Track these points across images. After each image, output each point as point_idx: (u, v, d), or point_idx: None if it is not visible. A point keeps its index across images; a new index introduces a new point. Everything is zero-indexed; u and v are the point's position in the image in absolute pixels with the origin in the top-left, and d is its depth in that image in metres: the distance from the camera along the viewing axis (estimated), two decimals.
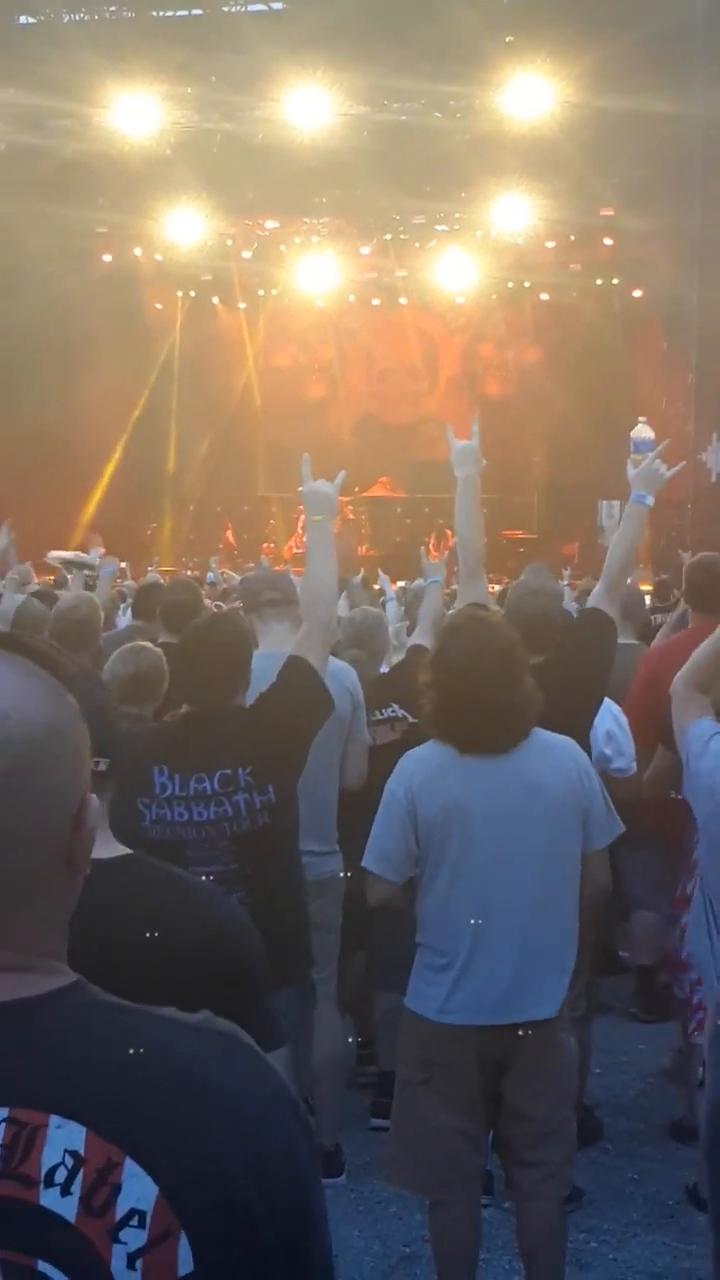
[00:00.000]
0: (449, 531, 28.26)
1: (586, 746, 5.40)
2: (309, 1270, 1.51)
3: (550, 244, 27.96)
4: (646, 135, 20.78)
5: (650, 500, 5.70)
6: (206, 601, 9.54)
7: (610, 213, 25.45)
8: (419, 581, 15.42)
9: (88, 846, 1.52)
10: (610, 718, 6.45)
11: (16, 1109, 1.38)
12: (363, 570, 21.39)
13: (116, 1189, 1.37)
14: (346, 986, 6.37)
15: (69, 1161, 1.37)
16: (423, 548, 10.39)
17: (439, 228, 27.93)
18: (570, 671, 5.31)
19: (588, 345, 28.23)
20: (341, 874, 5.74)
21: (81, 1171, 1.37)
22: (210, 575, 17.43)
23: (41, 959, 1.49)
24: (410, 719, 6.17)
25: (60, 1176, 1.37)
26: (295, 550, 28.14)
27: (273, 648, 5.45)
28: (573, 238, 27.79)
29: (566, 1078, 4.63)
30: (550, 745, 4.55)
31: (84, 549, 13.83)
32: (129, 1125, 1.40)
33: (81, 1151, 1.38)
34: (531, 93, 20.33)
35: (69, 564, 12.19)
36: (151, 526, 30.54)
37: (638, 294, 27.94)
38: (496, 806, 4.41)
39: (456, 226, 27.61)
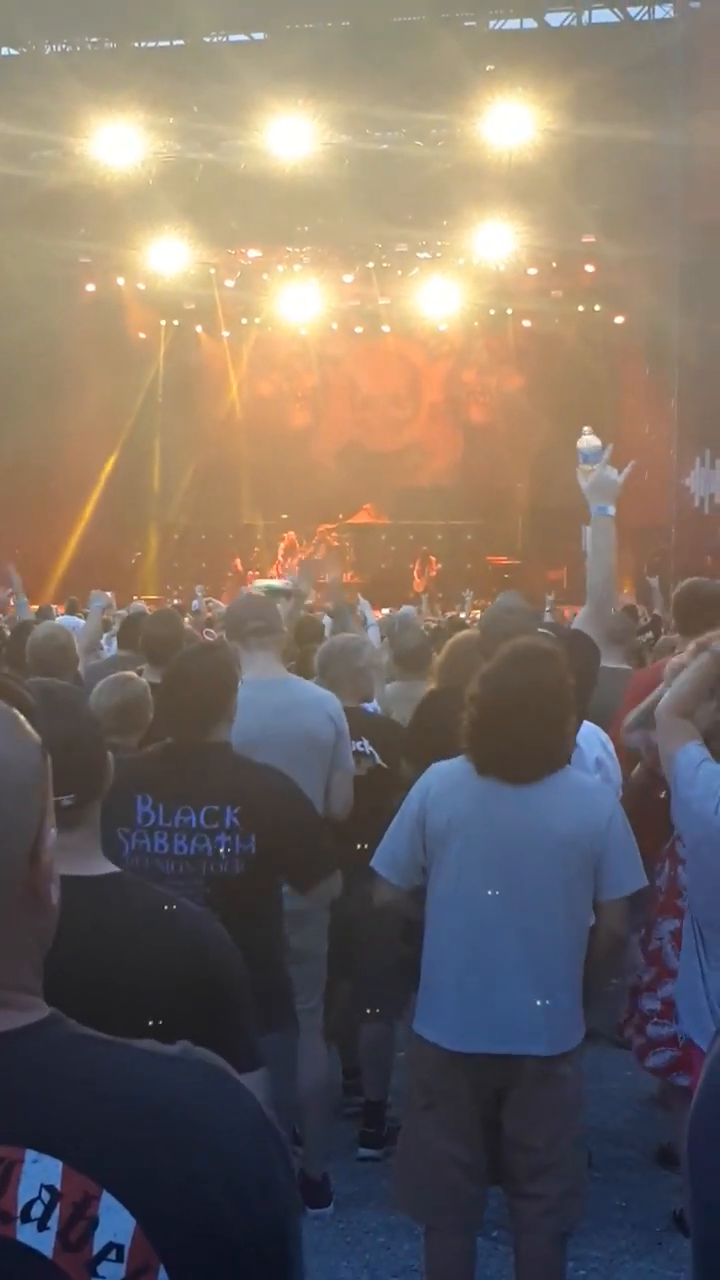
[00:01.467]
0: (432, 558, 28.49)
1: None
2: None
3: (532, 271, 28.13)
4: (626, 163, 20.93)
5: (611, 510, 5.61)
6: (191, 629, 9.54)
7: (591, 239, 25.61)
8: (404, 609, 15.46)
9: (47, 879, 1.51)
10: (599, 744, 6.44)
11: None
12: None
13: (94, 1223, 1.36)
14: (332, 1015, 6.34)
15: (45, 1196, 1.36)
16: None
17: (421, 255, 28.09)
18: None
19: (570, 371, 28.34)
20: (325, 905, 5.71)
21: (58, 1206, 1.36)
22: (195, 603, 17.44)
23: (13, 994, 1.47)
24: (376, 757, 6.20)
25: (37, 1211, 1.36)
26: (277, 578, 28.16)
27: (257, 675, 5.44)
28: (554, 264, 27.94)
29: (567, 1111, 4.54)
30: (579, 787, 4.53)
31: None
32: (106, 1159, 1.39)
33: (58, 1186, 1.37)
34: (512, 121, 20.48)
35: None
36: (136, 554, 30.57)
37: (619, 320, 28.08)
38: (496, 833, 4.39)
39: (439, 254, 27.78)
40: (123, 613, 14.29)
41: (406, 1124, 4.65)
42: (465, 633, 7.57)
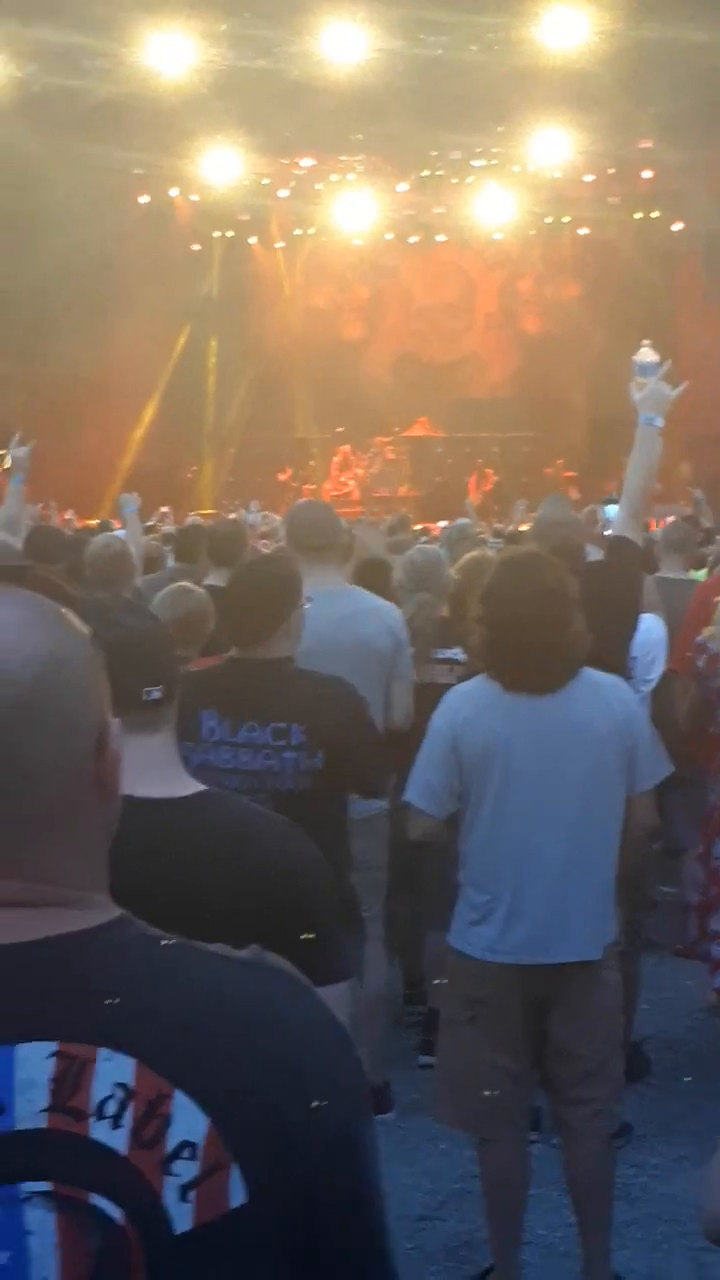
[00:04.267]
0: (489, 471, 28.34)
1: (624, 670, 5.41)
2: (359, 1204, 1.52)
3: (589, 177, 27.73)
4: (685, 66, 20.49)
5: (659, 421, 5.65)
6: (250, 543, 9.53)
7: (649, 145, 25.19)
8: (460, 521, 15.39)
9: (115, 771, 1.51)
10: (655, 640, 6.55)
11: (65, 1043, 1.38)
12: (402, 509, 21.38)
13: (167, 1121, 1.37)
14: (395, 927, 6.40)
15: (119, 1094, 1.37)
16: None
17: (476, 163, 27.67)
18: (599, 598, 5.27)
19: (627, 280, 27.97)
20: (386, 812, 5.74)
21: (132, 1104, 1.37)
22: (250, 517, 17.44)
23: (82, 892, 1.48)
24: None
25: (110, 1109, 1.37)
26: (333, 493, 28.11)
27: (316, 587, 5.44)
28: (611, 171, 27.53)
29: (611, 1016, 4.63)
30: (598, 685, 4.53)
31: None
32: (178, 1058, 1.40)
33: (131, 1084, 1.38)
34: (568, 24, 20.05)
35: None
36: (192, 470, 30.51)
37: (677, 227, 27.66)
38: (538, 745, 4.40)
39: (494, 161, 27.36)
40: (172, 528, 14.27)
41: (447, 1037, 4.68)
42: (476, 553, 7.57)
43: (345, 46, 20.80)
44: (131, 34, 20.57)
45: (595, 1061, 4.52)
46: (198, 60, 21.48)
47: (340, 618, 5.55)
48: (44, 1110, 1.36)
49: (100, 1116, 1.36)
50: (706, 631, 6.04)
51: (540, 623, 4.37)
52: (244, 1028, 1.45)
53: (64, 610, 1.53)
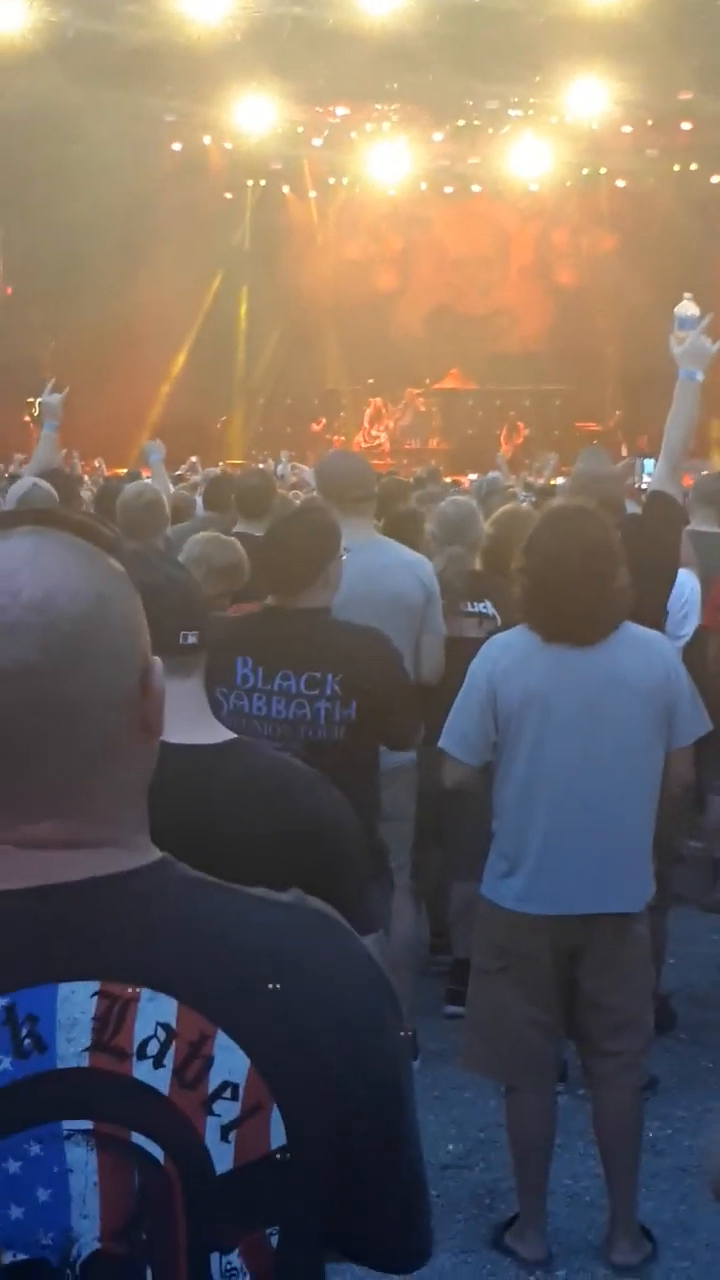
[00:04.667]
0: (520, 424, 28.23)
1: (661, 626, 5.39)
2: (397, 1146, 1.53)
3: (627, 129, 27.47)
4: None
5: (700, 375, 5.62)
6: (280, 492, 9.51)
7: (689, 96, 24.91)
8: (491, 474, 15.32)
9: (159, 709, 1.51)
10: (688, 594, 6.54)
11: (108, 982, 1.39)
12: (432, 461, 21.31)
13: (209, 1061, 1.38)
14: (422, 877, 6.41)
15: (161, 1034, 1.38)
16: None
17: (512, 113, 27.43)
18: (637, 553, 5.25)
19: (664, 233, 27.75)
20: (415, 762, 5.74)
21: (174, 1044, 1.38)
22: (280, 468, 17.39)
23: (126, 833, 1.48)
24: (499, 620, 6.15)
25: (153, 1049, 1.37)
26: (362, 445, 28.03)
27: (349, 539, 5.42)
28: (650, 122, 27.27)
29: (643, 968, 4.64)
30: (639, 640, 4.51)
31: None
32: (220, 999, 1.40)
33: (173, 1024, 1.38)
34: None
35: None
36: (222, 420, 30.46)
37: (717, 179, 27.41)
38: (578, 698, 4.39)
39: (531, 111, 27.11)
40: (198, 479, 14.23)
41: (478, 987, 4.69)
42: (510, 506, 7.53)
43: None
44: None
45: (626, 1014, 4.54)
46: (232, 6, 21.33)
47: (373, 570, 5.52)
48: (86, 1049, 1.37)
49: (142, 1056, 1.37)
50: None
51: (584, 576, 4.34)
52: (286, 969, 1.45)
53: (102, 552, 1.52)
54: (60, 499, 6.42)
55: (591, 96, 24.67)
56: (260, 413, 31.23)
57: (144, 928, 1.43)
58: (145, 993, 1.39)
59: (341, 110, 28.23)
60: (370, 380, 29.81)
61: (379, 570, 5.62)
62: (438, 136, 28.73)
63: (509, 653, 4.52)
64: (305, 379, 30.90)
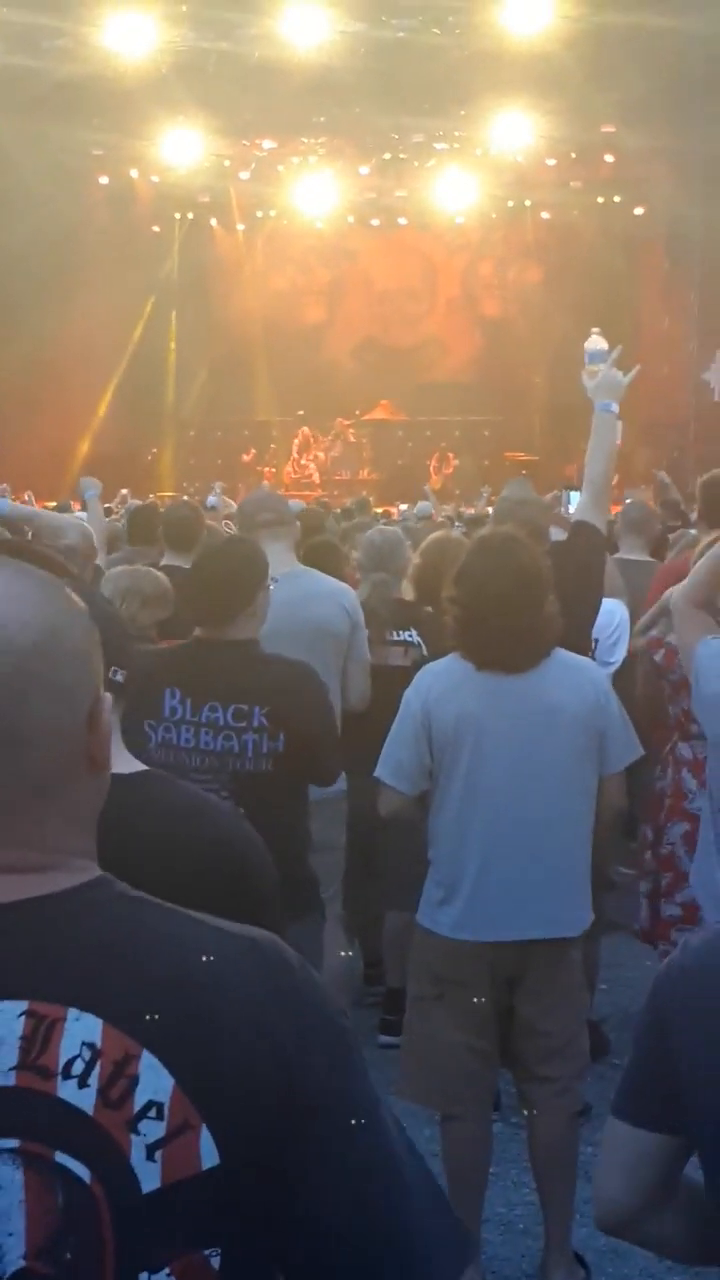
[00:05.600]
0: (450, 454, 28.35)
1: (588, 652, 5.43)
2: (359, 1174, 1.47)
3: (551, 161, 27.71)
4: (647, 51, 20.53)
5: (615, 407, 5.64)
6: (210, 524, 9.49)
7: (611, 129, 25.21)
8: (420, 504, 15.36)
9: (106, 744, 1.52)
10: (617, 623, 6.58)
11: (35, 1002, 1.39)
12: (363, 492, 21.38)
13: (134, 1081, 1.38)
14: (354, 907, 6.40)
15: (86, 1054, 1.38)
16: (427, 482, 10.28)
17: (438, 146, 27.65)
18: (563, 580, 5.29)
19: (589, 264, 28.01)
20: (344, 793, 5.74)
21: (99, 1063, 1.38)
22: (211, 499, 17.37)
23: (67, 857, 1.49)
24: (424, 648, 6.16)
25: (78, 1068, 1.37)
26: (292, 475, 28.06)
27: (272, 570, 5.43)
28: (573, 155, 27.53)
29: (577, 993, 4.66)
30: (570, 666, 4.54)
31: None
32: (145, 1018, 1.40)
33: (98, 1044, 1.38)
34: (531, 7, 20.05)
35: None
36: (152, 452, 30.42)
37: (639, 212, 27.70)
38: (511, 724, 4.41)
39: (456, 145, 27.34)
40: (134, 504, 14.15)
41: (414, 1014, 4.69)
42: (440, 534, 7.58)
43: (307, 28, 20.74)
44: (92, 14, 20.47)
45: (561, 1039, 4.55)
46: (158, 41, 21.38)
47: (296, 600, 5.53)
48: (12, 1068, 1.37)
49: (68, 1076, 1.37)
50: (662, 625, 6.08)
51: (514, 603, 4.37)
52: (213, 988, 1.45)
53: (63, 583, 1.54)
54: None
55: (516, 130, 24.90)
56: (191, 445, 31.19)
57: (73, 946, 1.44)
58: (71, 1012, 1.39)
59: (268, 144, 28.32)
60: (300, 411, 29.85)
61: (302, 599, 5.62)
62: (364, 170, 28.88)
63: (441, 680, 4.54)
64: (235, 410, 30.92)
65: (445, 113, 25.17)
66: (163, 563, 7.04)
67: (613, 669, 6.72)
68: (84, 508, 10.22)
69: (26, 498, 19.48)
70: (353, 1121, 1.49)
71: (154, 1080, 1.38)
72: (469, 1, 20.68)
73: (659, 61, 20.88)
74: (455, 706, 4.46)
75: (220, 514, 14.43)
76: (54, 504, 16.31)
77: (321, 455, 29.45)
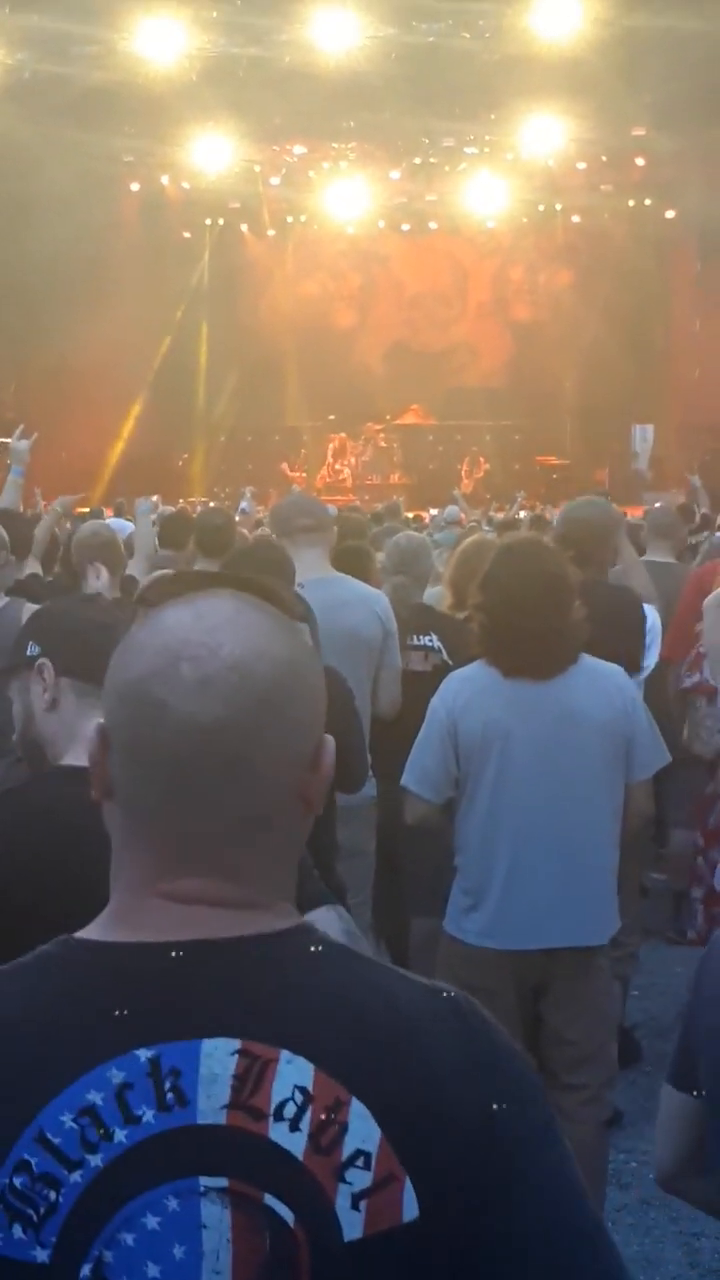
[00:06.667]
0: (481, 458, 28.33)
1: (637, 661, 5.41)
2: (550, 1239, 1.47)
3: (581, 165, 27.72)
4: (678, 54, 20.46)
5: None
6: (241, 530, 9.50)
7: (642, 132, 25.19)
8: (449, 508, 15.34)
9: (323, 787, 1.53)
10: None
11: (248, 1041, 1.39)
12: (395, 497, 21.39)
13: (344, 1129, 1.37)
14: (381, 913, 6.38)
15: (298, 1097, 1.37)
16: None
17: (468, 150, 27.67)
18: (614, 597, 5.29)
19: (620, 267, 27.99)
20: (373, 799, 5.73)
21: (310, 1108, 1.37)
22: (243, 504, 17.40)
23: (272, 897, 1.49)
24: (444, 653, 6.14)
25: (289, 1112, 1.37)
26: (326, 480, 28.08)
27: (305, 574, 5.41)
28: (604, 158, 27.52)
29: (605, 1001, 4.62)
30: (597, 673, 4.51)
31: None
32: (356, 1067, 1.40)
33: (310, 1088, 1.38)
34: (561, 11, 20.04)
35: None
36: (183, 457, 30.50)
37: (670, 214, 27.66)
38: (538, 731, 4.38)
39: (486, 149, 27.35)
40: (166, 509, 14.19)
41: None
42: (475, 538, 7.55)
43: (337, 33, 20.77)
44: (122, 21, 20.53)
45: (589, 1047, 4.52)
46: (189, 47, 21.44)
47: (329, 605, 5.50)
48: (225, 1106, 1.37)
49: (279, 1118, 1.37)
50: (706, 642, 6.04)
51: (540, 609, 4.35)
52: (423, 1044, 1.45)
53: (296, 623, 1.57)
54: (12, 541, 6.39)
55: (546, 134, 24.89)
56: (221, 450, 31.26)
57: (284, 990, 1.44)
58: (284, 1054, 1.39)
59: (299, 149, 28.40)
60: (331, 416, 29.89)
61: (337, 605, 5.60)
62: (395, 174, 28.92)
63: (470, 686, 4.52)
64: (266, 415, 30.99)
65: (475, 117, 25.17)
66: (195, 568, 7.04)
67: (646, 673, 6.69)
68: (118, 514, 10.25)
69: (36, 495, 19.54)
70: (551, 1188, 1.48)
71: (363, 1129, 1.38)
72: (499, 5, 20.67)
73: (689, 64, 20.81)
74: (482, 714, 4.43)
75: (252, 519, 14.46)
76: (87, 510, 16.39)
77: (354, 460, 29.48)
